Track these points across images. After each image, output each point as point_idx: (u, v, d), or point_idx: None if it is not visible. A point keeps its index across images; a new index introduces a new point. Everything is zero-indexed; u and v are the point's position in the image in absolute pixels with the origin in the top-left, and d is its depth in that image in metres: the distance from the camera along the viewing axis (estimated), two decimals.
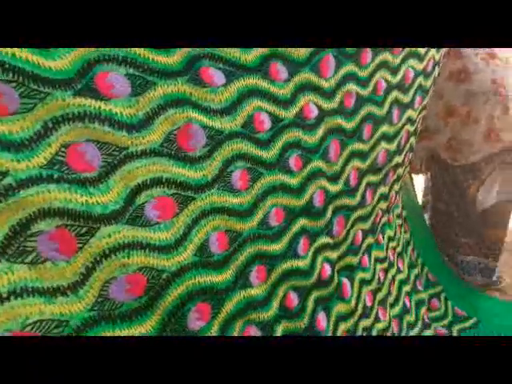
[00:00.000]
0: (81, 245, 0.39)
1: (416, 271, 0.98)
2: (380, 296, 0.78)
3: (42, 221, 0.37)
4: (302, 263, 0.59)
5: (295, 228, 0.59)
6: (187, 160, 0.47)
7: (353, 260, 0.72)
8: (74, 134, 0.39)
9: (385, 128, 0.74)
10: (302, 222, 0.60)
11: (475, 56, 1.00)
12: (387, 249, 0.85)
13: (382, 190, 0.79)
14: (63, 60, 0.37)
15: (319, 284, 0.62)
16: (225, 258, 0.51)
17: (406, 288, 0.91)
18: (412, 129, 0.82)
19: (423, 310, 0.94)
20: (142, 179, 0.43)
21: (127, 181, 0.42)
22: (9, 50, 0.34)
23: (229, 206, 0.50)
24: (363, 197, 0.72)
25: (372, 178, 0.74)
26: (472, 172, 1.03)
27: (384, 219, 0.84)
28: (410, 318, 0.88)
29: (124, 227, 0.42)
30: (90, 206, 0.39)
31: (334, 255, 0.66)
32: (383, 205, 0.81)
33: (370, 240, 0.77)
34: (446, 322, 0.99)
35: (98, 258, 0.40)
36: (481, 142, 1.01)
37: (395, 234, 0.90)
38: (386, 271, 0.82)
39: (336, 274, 0.67)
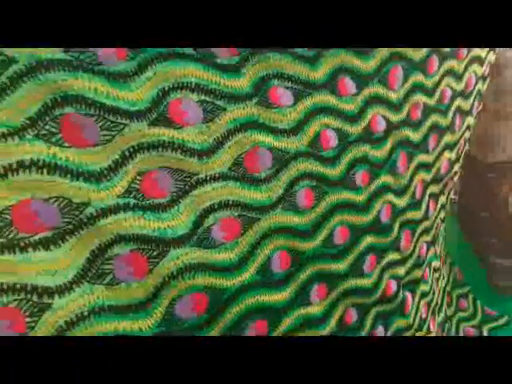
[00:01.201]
0: (152, 267, 0.41)
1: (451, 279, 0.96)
2: (432, 306, 0.76)
3: (118, 245, 0.39)
4: (366, 281, 0.58)
5: (362, 246, 0.57)
6: (253, 182, 0.47)
7: (418, 274, 0.70)
8: (149, 162, 0.40)
9: (448, 137, 0.71)
10: (368, 239, 0.58)
11: (508, 50, 0.96)
12: (440, 258, 0.83)
13: (442, 199, 0.76)
14: (139, 90, 0.38)
15: (382, 301, 0.61)
16: (286, 277, 0.51)
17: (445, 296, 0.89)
18: (468, 136, 0.79)
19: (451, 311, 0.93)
20: (210, 203, 0.44)
21: (196, 205, 0.43)
22: (92, 85, 0.35)
23: (292, 225, 0.50)
24: (427, 209, 0.70)
25: (434, 189, 0.71)
26: (503, 172, 0.97)
27: (442, 228, 0.81)
28: (449, 325, 0.87)
29: (191, 249, 0.43)
30: (162, 231, 0.41)
31: (401, 271, 0.65)
32: (442, 214, 0.78)
33: (431, 252, 0.75)
34: (475, 322, 0.96)
35: (167, 279, 0.41)
36: (511, 140, 0.98)
37: (442, 242, 0.88)
38: (437, 280, 0.80)
39: (401, 290, 0.65)
